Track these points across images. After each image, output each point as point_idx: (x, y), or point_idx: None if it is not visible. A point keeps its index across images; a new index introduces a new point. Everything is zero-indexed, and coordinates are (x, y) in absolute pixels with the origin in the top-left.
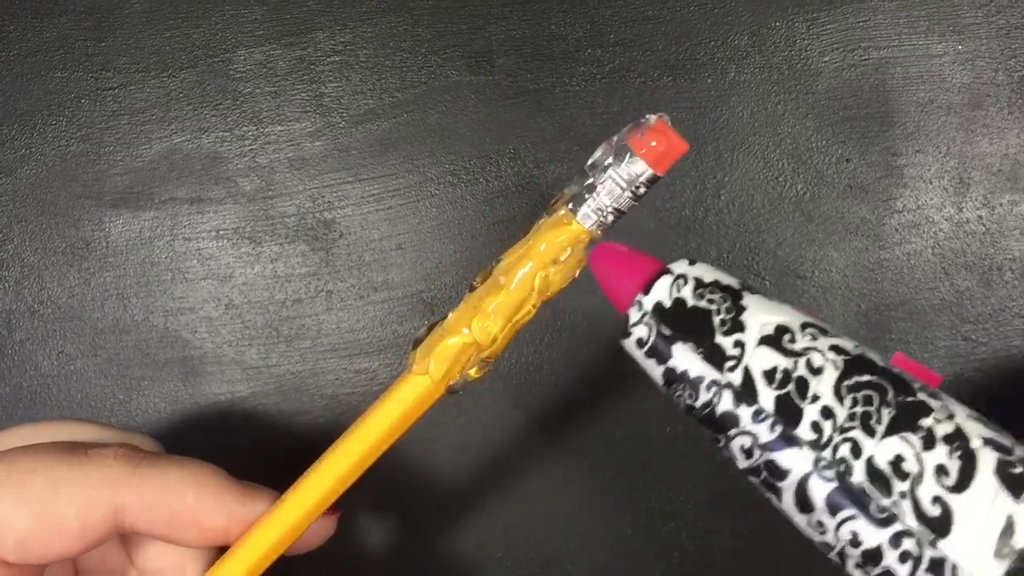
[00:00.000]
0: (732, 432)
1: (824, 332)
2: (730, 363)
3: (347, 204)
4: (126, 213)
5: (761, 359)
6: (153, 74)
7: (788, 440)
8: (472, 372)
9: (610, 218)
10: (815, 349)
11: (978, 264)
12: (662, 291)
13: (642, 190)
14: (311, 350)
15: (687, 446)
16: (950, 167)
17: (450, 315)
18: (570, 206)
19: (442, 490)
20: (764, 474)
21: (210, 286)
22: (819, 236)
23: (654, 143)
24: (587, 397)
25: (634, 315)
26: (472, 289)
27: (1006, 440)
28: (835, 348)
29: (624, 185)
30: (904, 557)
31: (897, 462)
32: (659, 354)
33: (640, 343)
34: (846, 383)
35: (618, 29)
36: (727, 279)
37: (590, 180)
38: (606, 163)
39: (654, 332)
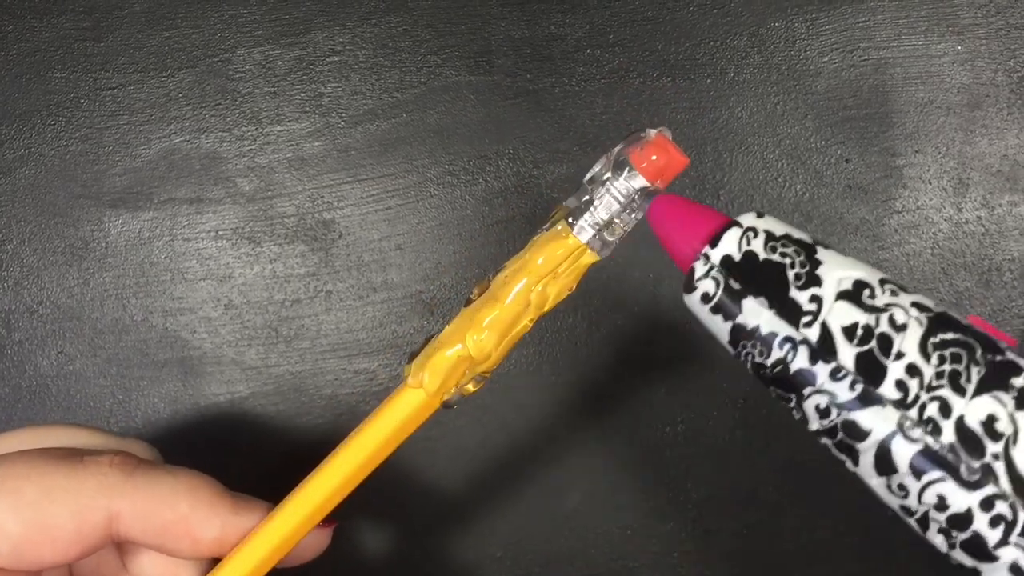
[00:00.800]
0: (807, 391)
1: (904, 288)
2: (806, 319)
3: (346, 204)
4: (125, 213)
5: (840, 314)
6: (152, 74)
7: (870, 399)
8: (469, 387)
9: (611, 237)
10: (897, 305)
11: (977, 265)
12: (731, 243)
13: (643, 205)
14: (310, 350)
15: (687, 446)
16: (949, 168)
17: (445, 328)
18: (568, 220)
19: (442, 490)
20: (840, 435)
21: (209, 286)
22: (818, 236)
23: (654, 157)
24: (586, 397)
25: (700, 269)
26: (468, 302)
27: None
28: (917, 305)
29: (623, 200)
30: (996, 521)
31: (990, 422)
32: (727, 310)
33: (706, 298)
34: (932, 340)
35: (617, 29)
36: (799, 233)
37: (588, 194)
38: (605, 177)
39: (722, 286)
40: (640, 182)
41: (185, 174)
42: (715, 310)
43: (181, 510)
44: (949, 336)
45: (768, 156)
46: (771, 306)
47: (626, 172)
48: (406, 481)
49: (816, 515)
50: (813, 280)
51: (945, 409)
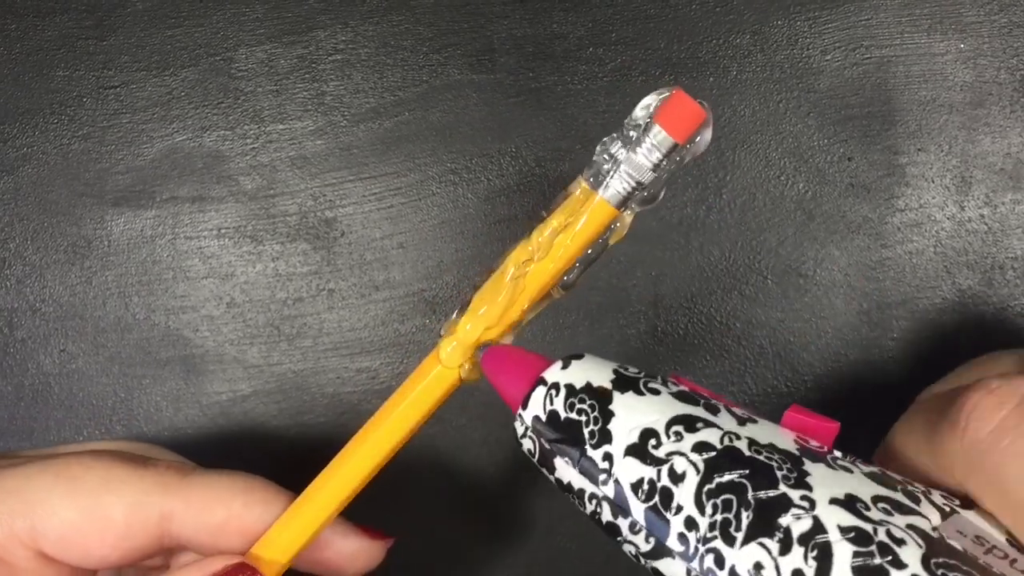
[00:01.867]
0: (619, 539)
1: (693, 426)
2: (603, 476)
3: (349, 203)
4: (128, 212)
5: (628, 471)
6: (155, 73)
7: (663, 551)
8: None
9: (624, 186)
10: (678, 452)
11: (980, 263)
12: (537, 404)
13: (657, 156)
14: (312, 349)
15: None
16: (952, 166)
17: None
18: (586, 180)
19: (443, 488)
20: None
21: (212, 285)
22: (821, 235)
23: (672, 111)
24: None
25: (519, 428)
26: (476, 287)
27: (869, 523)
28: (699, 446)
29: (643, 155)
30: None
31: (756, 570)
32: (546, 465)
33: (531, 454)
34: (707, 487)
35: (620, 28)
36: (600, 377)
37: (608, 152)
38: (626, 136)
39: (537, 445)
40: (660, 135)
41: (187, 172)
42: (540, 464)
43: (235, 508)
44: (724, 479)
45: (770, 154)
46: (575, 465)
47: (646, 127)
48: (406, 478)
49: None
50: (605, 437)
51: (719, 560)
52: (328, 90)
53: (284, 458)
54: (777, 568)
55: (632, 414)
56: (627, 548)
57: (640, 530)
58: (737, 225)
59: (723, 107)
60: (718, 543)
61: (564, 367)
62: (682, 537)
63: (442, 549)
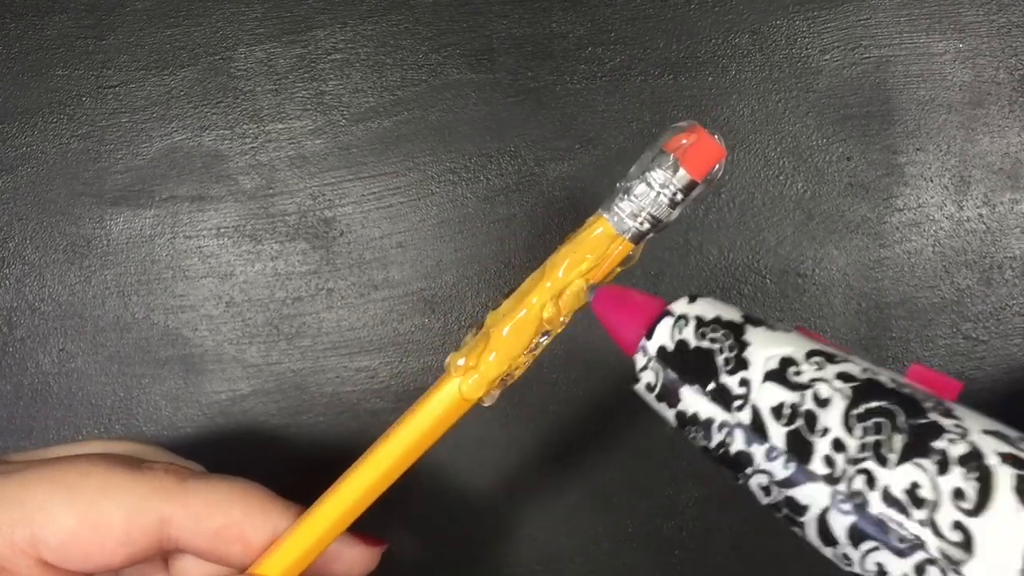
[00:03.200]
0: (748, 471)
1: (831, 358)
2: (738, 402)
3: (348, 202)
4: (127, 211)
5: (768, 396)
6: (154, 72)
7: (803, 475)
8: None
9: (645, 224)
10: (821, 379)
11: (979, 262)
12: (664, 334)
13: (679, 196)
14: (312, 348)
15: (687, 445)
16: (951, 165)
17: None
18: (605, 214)
19: (441, 489)
20: (785, 510)
21: (211, 284)
22: (820, 234)
23: (690, 147)
24: (587, 396)
25: (640, 361)
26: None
27: (1022, 454)
28: (842, 376)
29: (658, 190)
30: None
31: (913, 489)
32: (669, 398)
33: (649, 388)
34: (854, 412)
35: (619, 27)
36: (729, 313)
37: (624, 185)
38: (642, 167)
39: (661, 377)
40: (677, 172)
41: (187, 172)
42: (659, 398)
43: (234, 514)
44: (872, 405)
45: (769, 154)
46: (705, 393)
47: (663, 162)
48: (405, 480)
49: None
50: (741, 364)
51: (871, 480)
52: (327, 89)
53: (283, 457)
54: (935, 487)
55: (768, 344)
56: (756, 480)
57: (778, 456)
58: (736, 224)
59: (722, 107)
60: (870, 464)
61: (691, 301)
62: (828, 459)
63: (437, 550)
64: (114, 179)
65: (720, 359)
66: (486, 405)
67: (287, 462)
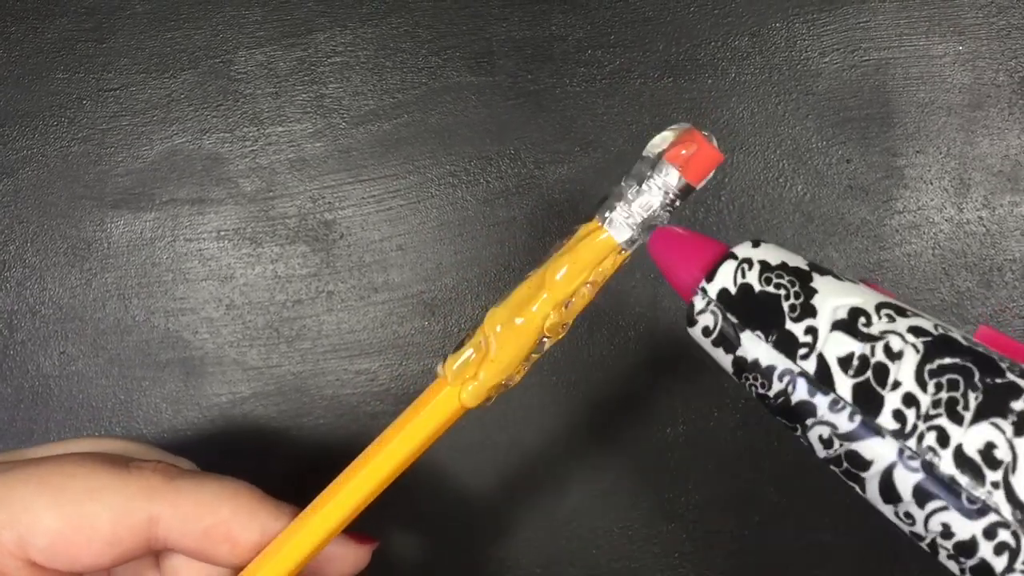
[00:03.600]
0: (809, 422)
1: (902, 312)
2: (803, 351)
3: (348, 205)
4: (127, 214)
5: (836, 345)
6: (154, 75)
7: (870, 429)
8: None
9: (643, 232)
10: (893, 332)
11: (978, 265)
12: (726, 277)
13: (677, 202)
14: (312, 351)
15: (688, 446)
16: (950, 168)
17: (488, 333)
18: (601, 219)
19: (441, 490)
20: (845, 464)
21: (211, 287)
22: (819, 237)
23: (688, 153)
24: (586, 397)
25: (699, 303)
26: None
27: None
28: (914, 330)
29: (657, 195)
30: (1000, 549)
31: (988, 450)
32: (727, 343)
33: (706, 332)
34: (928, 367)
35: (618, 30)
36: (795, 260)
37: (621, 190)
38: (639, 173)
39: (720, 320)
40: (674, 177)
41: (187, 175)
42: (716, 343)
43: (222, 514)
44: (946, 362)
45: (769, 156)
46: (768, 339)
47: (660, 167)
48: (405, 482)
49: (816, 515)
50: (808, 311)
51: (943, 438)
52: (327, 92)
53: (283, 460)
54: (1012, 448)
55: (836, 294)
56: (817, 431)
57: (843, 408)
58: (736, 227)
59: (721, 109)
60: (943, 420)
61: (755, 246)
62: (898, 414)
63: (437, 551)
64: (115, 182)
65: (786, 305)
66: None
67: (287, 465)
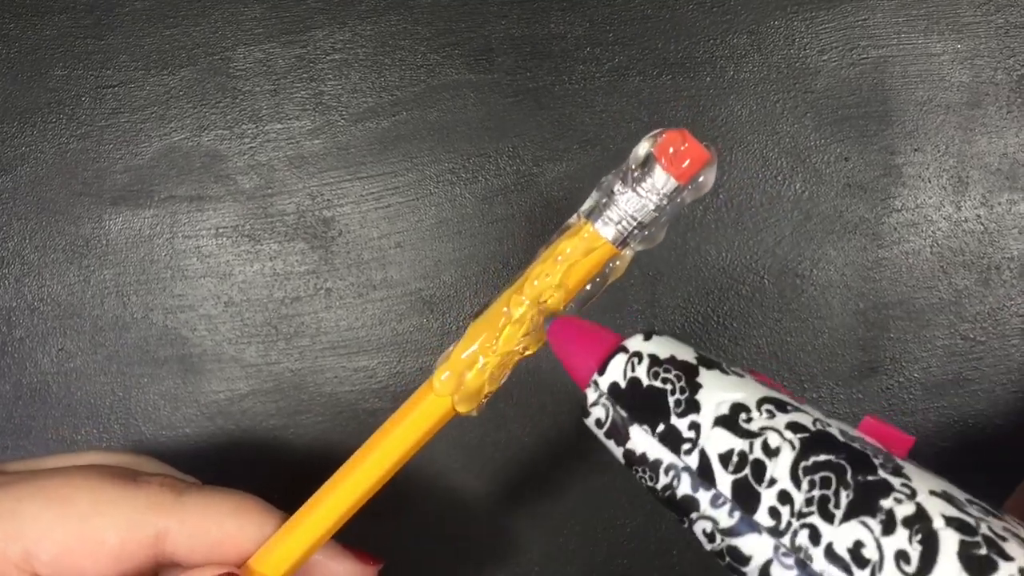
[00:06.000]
0: (694, 515)
1: (783, 407)
2: (686, 446)
3: (346, 202)
4: (126, 211)
5: (717, 441)
6: (153, 72)
7: (748, 525)
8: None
9: (630, 230)
10: (772, 428)
11: (976, 263)
12: (617, 371)
13: (664, 201)
14: (310, 348)
15: None
16: (949, 166)
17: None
18: (587, 217)
19: (439, 490)
20: (728, 559)
21: (209, 284)
22: (817, 235)
23: (675, 152)
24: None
25: (591, 395)
26: (477, 314)
27: (970, 517)
28: (792, 426)
29: (644, 195)
30: None
31: (857, 548)
32: (618, 435)
33: (599, 424)
34: (803, 464)
35: (617, 28)
36: (684, 353)
37: (609, 190)
38: (626, 174)
39: (611, 413)
40: (662, 177)
41: (185, 172)
42: (608, 435)
43: (230, 528)
44: (821, 459)
45: (767, 154)
46: (655, 433)
47: (647, 167)
48: (402, 480)
49: None
50: (692, 406)
51: (815, 536)
52: (326, 90)
53: (281, 457)
54: (879, 547)
55: (721, 389)
56: (701, 525)
57: (724, 503)
58: (734, 225)
59: (720, 107)
60: (815, 519)
61: (646, 339)
62: (773, 511)
63: (436, 551)
64: (113, 179)
65: (671, 400)
66: (468, 412)
67: (285, 462)
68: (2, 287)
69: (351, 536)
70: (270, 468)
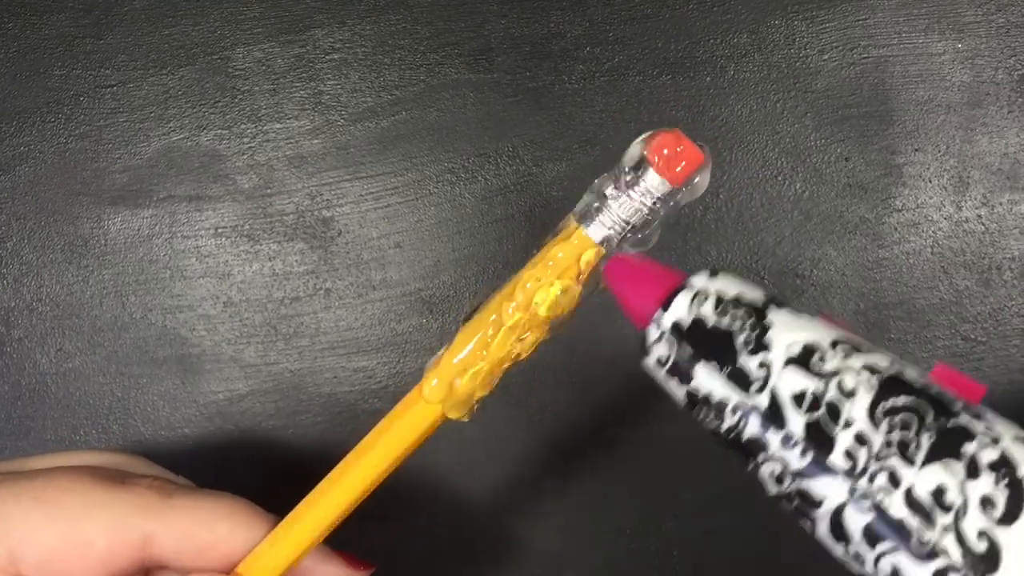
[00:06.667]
0: (761, 458)
1: (857, 349)
2: (756, 385)
3: (345, 202)
4: (125, 211)
5: (789, 381)
6: (152, 71)
7: (821, 468)
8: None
9: (623, 234)
10: (847, 369)
11: (977, 263)
12: (681, 308)
13: (657, 205)
14: (309, 348)
15: (686, 446)
16: (949, 166)
17: (463, 341)
18: (578, 220)
19: (440, 491)
20: (796, 502)
21: (208, 284)
22: (818, 235)
23: (668, 154)
24: (586, 396)
25: (653, 333)
26: (468, 317)
27: None
28: (869, 367)
29: (636, 198)
30: None
31: (939, 493)
32: (681, 374)
33: (660, 363)
34: (881, 406)
35: (617, 27)
36: (751, 292)
37: (602, 195)
38: (619, 176)
39: (674, 352)
40: (655, 179)
41: (184, 171)
42: (670, 374)
43: (219, 532)
44: (900, 401)
45: (768, 154)
46: (722, 372)
47: (641, 170)
48: (404, 481)
49: None
50: (762, 346)
51: (894, 479)
52: (325, 89)
53: (281, 457)
54: (964, 492)
55: (791, 328)
56: (769, 467)
57: (795, 444)
58: (734, 225)
59: (720, 107)
60: (895, 461)
61: (712, 275)
62: (848, 454)
63: (435, 552)
64: (112, 179)
65: (740, 339)
66: (459, 416)
67: (285, 462)
68: (1, 287)
69: (351, 538)
70: (269, 468)
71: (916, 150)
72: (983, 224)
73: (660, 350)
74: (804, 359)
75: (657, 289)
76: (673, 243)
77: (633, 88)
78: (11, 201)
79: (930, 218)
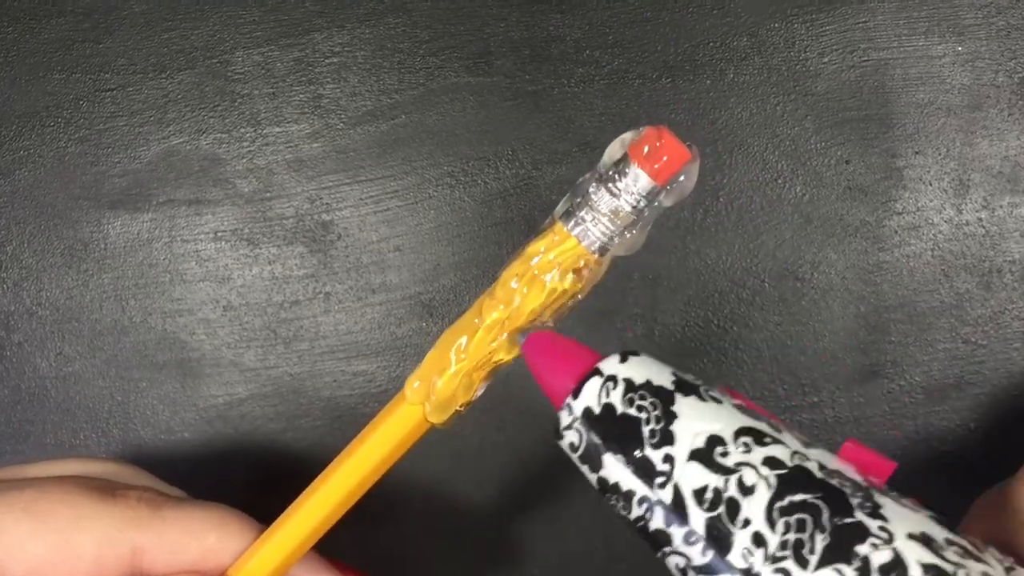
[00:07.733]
0: (666, 550)
1: (761, 439)
2: (660, 479)
3: (345, 206)
4: (124, 215)
5: (691, 476)
6: (151, 75)
7: (721, 566)
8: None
9: (608, 233)
10: (748, 464)
11: (978, 266)
12: (591, 395)
13: (641, 203)
14: (309, 352)
15: None
16: (950, 169)
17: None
18: (560, 218)
19: (440, 493)
20: None
21: (208, 288)
22: (818, 238)
23: (651, 150)
24: None
25: (565, 419)
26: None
27: (948, 564)
28: (769, 461)
29: (618, 195)
30: None
31: None
32: (591, 461)
33: (573, 448)
34: (779, 505)
35: (617, 30)
36: (661, 377)
37: (585, 193)
38: (602, 174)
39: (584, 440)
40: (640, 178)
41: (184, 175)
42: (582, 460)
43: (209, 542)
44: (797, 499)
45: (768, 157)
46: (628, 464)
47: (625, 168)
48: (403, 483)
49: None
50: (667, 438)
51: None
52: (325, 93)
53: (280, 461)
54: None
55: (697, 419)
56: (673, 560)
57: (697, 541)
58: (734, 228)
59: (720, 110)
60: (789, 564)
61: (622, 360)
62: (747, 553)
63: (435, 553)
64: (111, 183)
65: (646, 430)
66: (442, 423)
67: (284, 466)
68: (1, 291)
69: (350, 539)
70: (269, 472)
71: (916, 153)
72: (984, 227)
73: (571, 436)
74: (707, 452)
75: (570, 371)
76: (673, 247)
77: (633, 91)
78: (11, 205)
79: (930, 221)
